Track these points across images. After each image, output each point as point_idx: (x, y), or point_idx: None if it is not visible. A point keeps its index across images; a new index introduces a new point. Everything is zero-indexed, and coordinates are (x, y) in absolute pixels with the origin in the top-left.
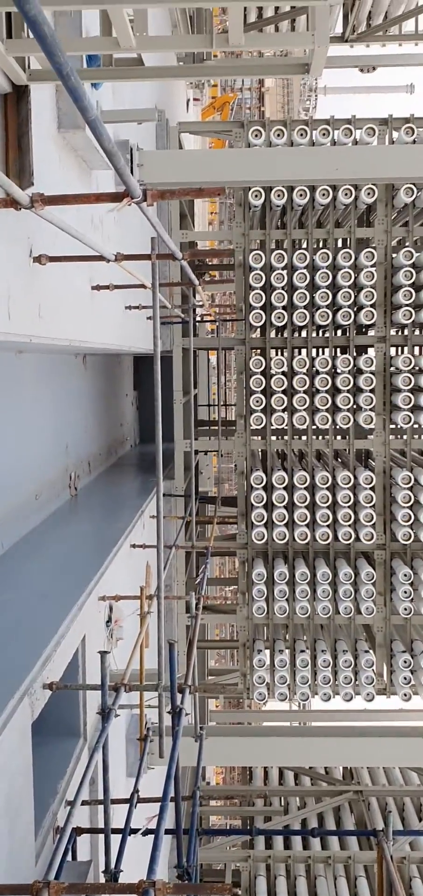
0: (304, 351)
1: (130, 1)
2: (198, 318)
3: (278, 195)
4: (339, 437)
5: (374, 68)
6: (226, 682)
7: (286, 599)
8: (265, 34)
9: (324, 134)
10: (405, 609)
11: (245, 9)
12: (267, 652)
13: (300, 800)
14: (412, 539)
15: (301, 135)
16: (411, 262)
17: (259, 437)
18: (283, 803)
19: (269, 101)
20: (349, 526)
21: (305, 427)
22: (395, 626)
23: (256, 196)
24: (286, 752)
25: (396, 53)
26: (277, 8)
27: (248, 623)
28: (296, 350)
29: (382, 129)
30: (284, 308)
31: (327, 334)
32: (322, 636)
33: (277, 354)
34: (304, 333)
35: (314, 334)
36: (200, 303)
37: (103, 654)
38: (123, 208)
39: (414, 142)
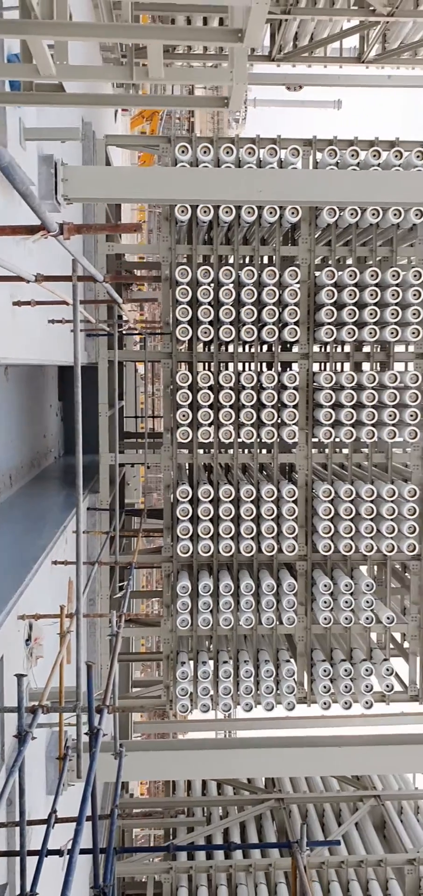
0: (230, 366)
1: (47, 33)
2: (124, 331)
3: (205, 211)
4: (264, 451)
5: (300, 86)
6: (150, 693)
7: (210, 611)
8: (185, 69)
9: (250, 153)
10: (325, 619)
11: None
12: (191, 663)
13: (223, 809)
14: (332, 550)
15: (227, 153)
16: (333, 281)
17: (186, 451)
18: (205, 813)
19: (199, 111)
20: (273, 538)
21: (231, 441)
22: (315, 636)
23: (182, 212)
24: (208, 764)
25: (321, 73)
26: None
27: (172, 636)
28: (222, 365)
29: (306, 149)
30: (210, 323)
31: (252, 350)
32: (245, 647)
33: (204, 369)
34: (230, 348)
35: (240, 349)
36: (126, 321)
37: (20, 677)
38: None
39: (337, 164)
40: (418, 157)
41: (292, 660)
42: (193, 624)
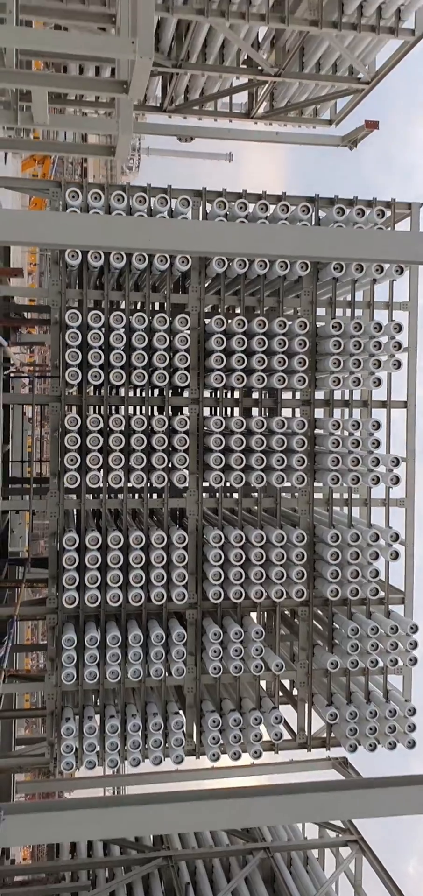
0: (121, 409)
1: None
2: (11, 373)
3: (95, 257)
4: (154, 496)
5: (192, 138)
6: (33, 751)
7: (97, 664)
8: (70, 117)
9: (140, 201)
10: (215, 668)
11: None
12: (77, 719)
13: (109, 871)
14: (222, 597)
15: (118, 200)
16: (222, 329)
17: (74, 497)
18: (91, 876)
19: (92, 157)
20: (162, 586)
21: (120, 486)
22: (205, 686)
23: (72, 256)
24: (92, 824)
25: (212, 127)
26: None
27: (56, 691)
28: (112, 408)
29: (196, 200)
30: (100, 367)
31: (143, 394)
32: (133, 700)
33: (93, 412)
34: (121, 392)
35: (131, 393)
36: (13, 364)
37: None
38: None
39: (226, 215)
40: (303, 211)
41: (181, 711)
42: (79, 678)
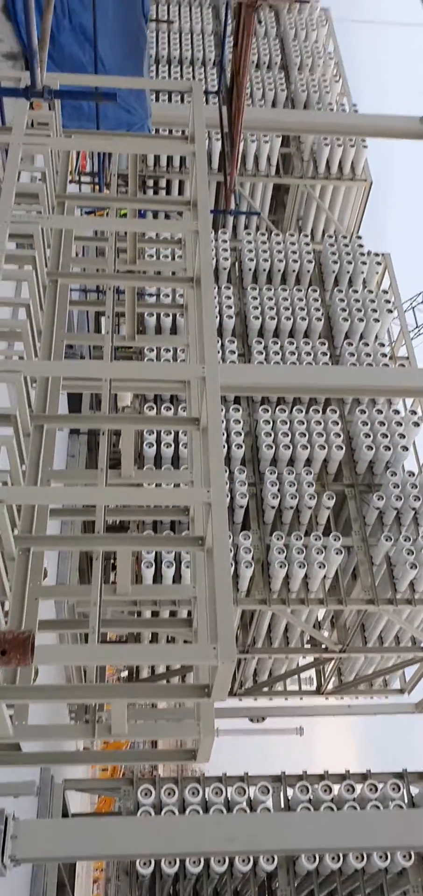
0: None
1: (8, 697)
2: None
3: (170, 863)
4: None
5: (264, 718)
6: None
7: None
8: (149, 725)
9: (217, 793)
10: None
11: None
12: None
13: None
14: None
15: (193, 794)
16: None
17: None
18: None
19: (161, 744)
20: None
21: None
22: None
23: (144, 864)
24: None
25: (283, 706)
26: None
27: None
28: None
29: (276, 785)
30: None
31: None
32: None
33: None
34: None
35: None
36: None
37: None
38: None
39: (310, 800)
40: (393, 789)
41: None
42: None
